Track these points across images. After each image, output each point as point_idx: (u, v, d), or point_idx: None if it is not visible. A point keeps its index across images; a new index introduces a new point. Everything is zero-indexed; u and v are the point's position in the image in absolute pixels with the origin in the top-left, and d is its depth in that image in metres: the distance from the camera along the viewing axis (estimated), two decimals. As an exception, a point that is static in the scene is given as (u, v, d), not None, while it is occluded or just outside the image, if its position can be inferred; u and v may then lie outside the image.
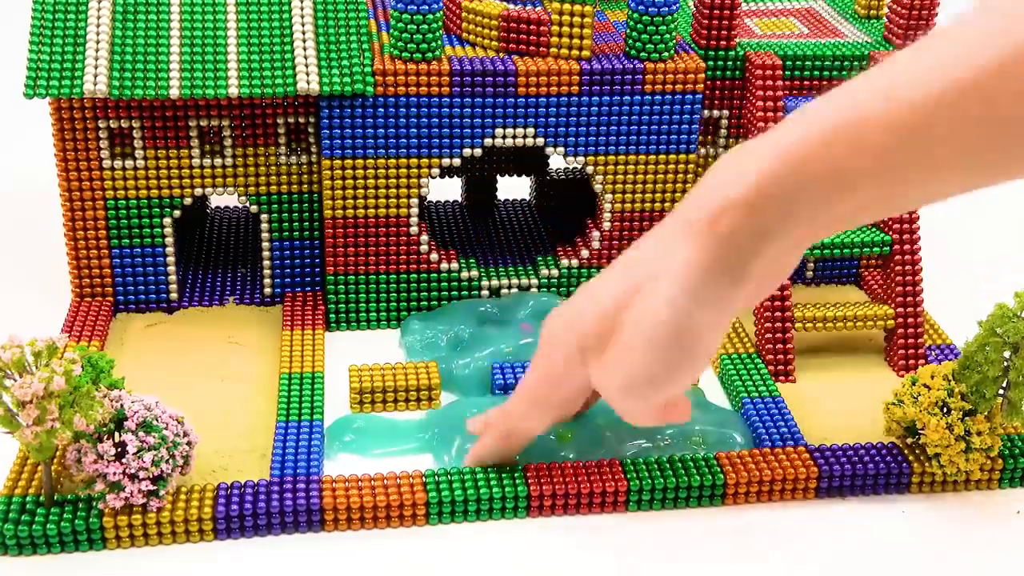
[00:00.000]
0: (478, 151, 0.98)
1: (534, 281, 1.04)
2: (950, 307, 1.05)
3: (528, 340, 0.97)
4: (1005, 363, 0.80)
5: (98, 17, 0.94)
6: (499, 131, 0.98)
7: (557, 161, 1.20)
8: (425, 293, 1.03)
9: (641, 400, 0.61)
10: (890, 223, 0.99)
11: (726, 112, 1.04)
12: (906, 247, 0.98)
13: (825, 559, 0.78)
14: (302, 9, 0.98)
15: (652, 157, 1.01)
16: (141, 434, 0.74)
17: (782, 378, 0.96)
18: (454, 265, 1.03)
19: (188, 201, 0.99)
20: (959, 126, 0.52)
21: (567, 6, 0.96)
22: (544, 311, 0.99)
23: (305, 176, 1.00)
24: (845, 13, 1.15)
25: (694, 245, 0.55)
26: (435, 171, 0.99)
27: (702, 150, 1.05)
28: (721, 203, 0.54)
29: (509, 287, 1.04)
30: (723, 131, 1.05)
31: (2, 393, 0.70)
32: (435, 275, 1.02)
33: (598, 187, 1.01)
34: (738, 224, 0.54)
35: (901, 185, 0.54)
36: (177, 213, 0.99)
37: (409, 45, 0.95)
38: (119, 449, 0.74)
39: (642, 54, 0.97)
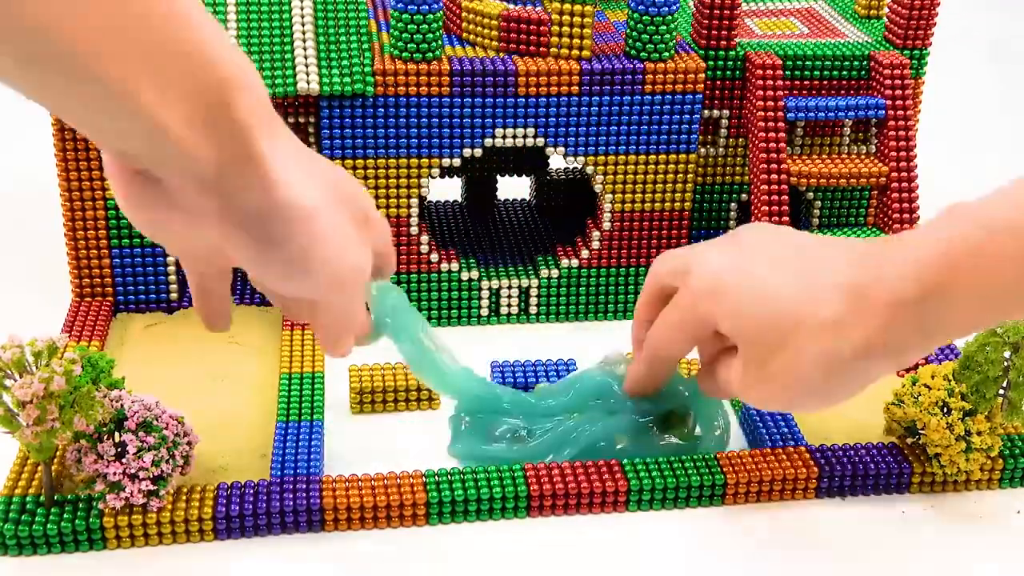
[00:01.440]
0: (478, 151, 0.98)
1: (534, 281, 1.04)
2: (950, 307, 1.05)
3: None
4: (1005, 363, 0.80)
5: (98, 17, 0.94)
6: (499, 131, 0.98)
7: (557, 161, 1.20)
8: (425, 293, 1.03)
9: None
10: (889, 223, 0.99)
11: (726, 112, 1.04)
12: (906, 247, 0.98)
13: (825, 559, 0.78)
14: (302, 9, 0.98)
15: (652, 157, 1.01)
16: (141, 434, 0.74)
17: (782, 378, 0.96)
18: (454, 265, 1.02)
19: (188, 201, 0.99)
20: None
21: (567, 6, 0.96)
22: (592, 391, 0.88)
23: (305, 176, 1.00)
24: (845, 13, 1.15)
25: (864, 329, 0.63)
26: (435, 171, 0.99)
27: (702, 150, 1.05)
28: (897, 297, 0.61)
29: (509, 287, 1.04)
30: (723, 131, 1.05)
31: (2, 393, 0.70)
32: (435, 275, 1.02)
33: (598, 187, 1.01)
34: (907, 320, 0.61)
35: None
36: (177, 213, 0.99)
37: (409, 45, 0.95)
38: (119, 449, 0.74)
39: (642, 54, 0.97)
